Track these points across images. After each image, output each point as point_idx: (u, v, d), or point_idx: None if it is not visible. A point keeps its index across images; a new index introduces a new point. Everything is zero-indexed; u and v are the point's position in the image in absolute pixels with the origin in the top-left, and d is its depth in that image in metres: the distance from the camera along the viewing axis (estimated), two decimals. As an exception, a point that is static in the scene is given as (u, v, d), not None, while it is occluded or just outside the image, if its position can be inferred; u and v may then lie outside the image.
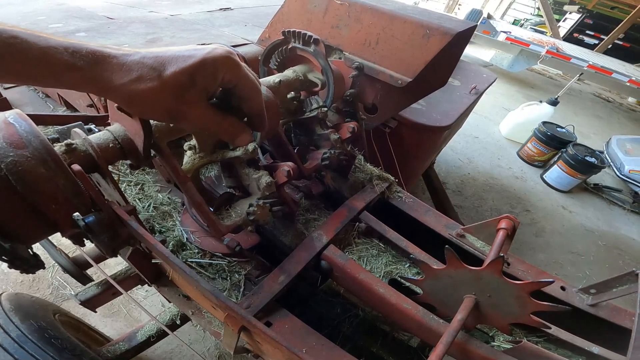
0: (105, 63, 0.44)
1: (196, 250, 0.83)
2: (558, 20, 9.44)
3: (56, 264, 0.92)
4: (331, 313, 1.13)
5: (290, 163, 0.84)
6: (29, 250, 0.55)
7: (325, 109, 1.00)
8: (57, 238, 0.60)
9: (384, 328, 1.17)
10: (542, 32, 8.43)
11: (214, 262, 0.82)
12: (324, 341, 0.75)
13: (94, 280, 1.05)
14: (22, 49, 0.39)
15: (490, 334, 0.89)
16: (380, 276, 0.92)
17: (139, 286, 1.14)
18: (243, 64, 0.52)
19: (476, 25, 1.21)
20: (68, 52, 0.42)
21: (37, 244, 0.61)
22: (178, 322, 1.18)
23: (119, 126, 0.63)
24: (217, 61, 0.47)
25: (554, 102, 4.23)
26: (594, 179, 3.86)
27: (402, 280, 0.92)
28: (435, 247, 0.95)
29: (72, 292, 1.64)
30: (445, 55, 1.04)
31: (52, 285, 1.82)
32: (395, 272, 0.94)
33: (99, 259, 0.95)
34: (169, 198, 0.96)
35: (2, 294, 1.02)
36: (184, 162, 0.76)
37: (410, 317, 0.81)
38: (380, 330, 1.16)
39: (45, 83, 0.44)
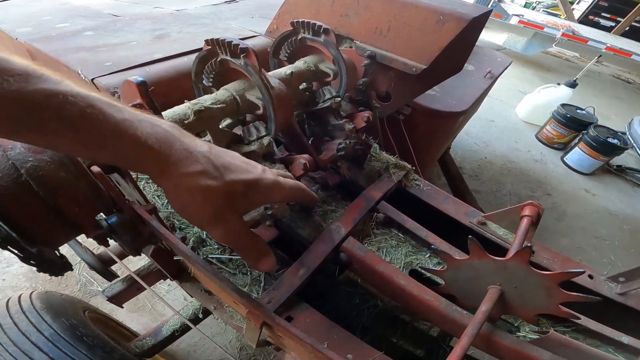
0: (174, 145, 0.42)
1: (216, 246, 0.84)
2: (572, 3, 8.99)
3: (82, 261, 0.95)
4: (349, 304, 1.13)
5: (306, 155, 0.83)
6: (56, 252, 0.56)
7: (339, 98, 0.98)
8: (81, 236, 0.61)
9: (403, 318, 1.16)
10: (555, 15, 8.05)
11: (234, 257, 0.83)
12: (345, 334, 0.74)
13: (118, 276, 1.07)
14: (97, 121, 0.36)
15: (515, 324, 0.87)
16: (400, 267, 0.91)
17: (162, 281, 1.16)
18: (282, 178, 0.54)
19: (491, 10, 1.17)
20: (142, 126, 0.40)
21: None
22: (200, 315, 1.20)
23: (135, 126, 0.64)
24: (271, 186, 0.51)
25: (572, 85, 4.07)
26: (617, 160, 3.71)
27: (422, 271, 0.91)
28: (455, 236, 0.93)
29: (100, 289, 1.70)
30: (460, 41, 1.00)
31: (79, 281, 1.87)
32: (415, 263, 0.93)
33: (122, 256, 0.97)
34: (186, 195, 0.96)
35: (32, 292, 1.04)
36: (200, 159, 0.76)
37: (433, 309, 0.80)
38: (400, 320, 1.15)
39: (102, 156, 0.41)
